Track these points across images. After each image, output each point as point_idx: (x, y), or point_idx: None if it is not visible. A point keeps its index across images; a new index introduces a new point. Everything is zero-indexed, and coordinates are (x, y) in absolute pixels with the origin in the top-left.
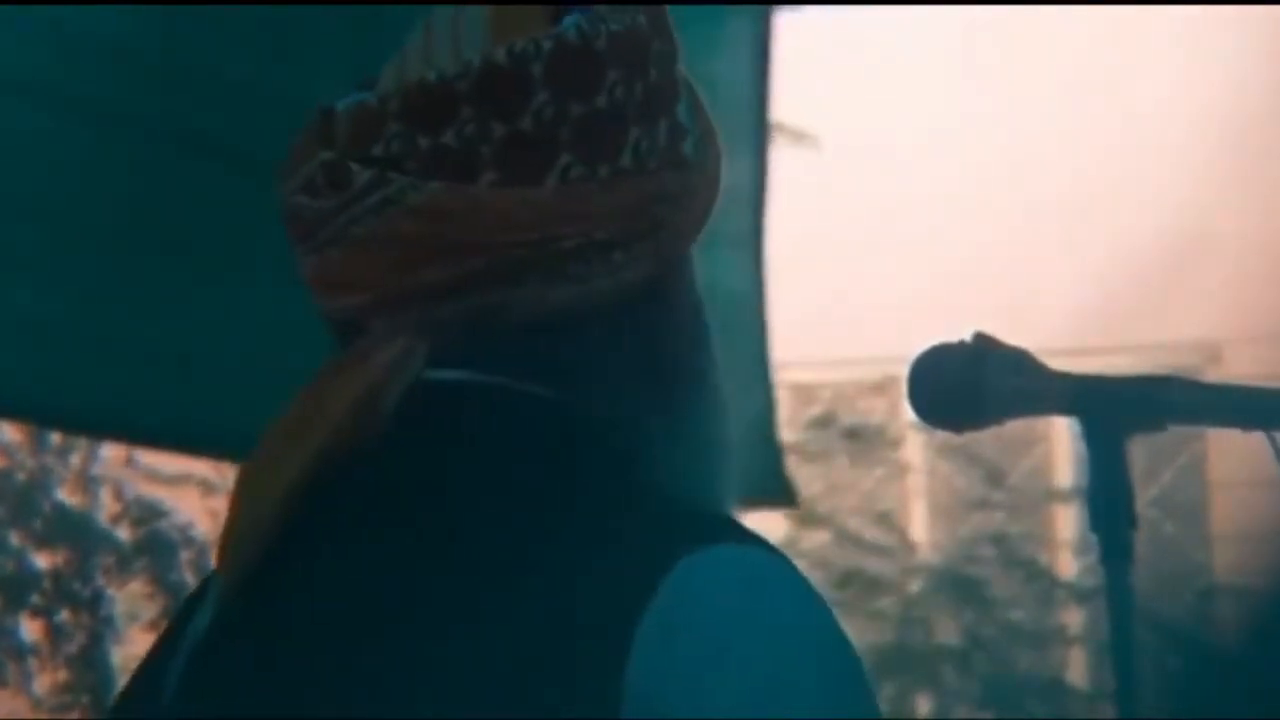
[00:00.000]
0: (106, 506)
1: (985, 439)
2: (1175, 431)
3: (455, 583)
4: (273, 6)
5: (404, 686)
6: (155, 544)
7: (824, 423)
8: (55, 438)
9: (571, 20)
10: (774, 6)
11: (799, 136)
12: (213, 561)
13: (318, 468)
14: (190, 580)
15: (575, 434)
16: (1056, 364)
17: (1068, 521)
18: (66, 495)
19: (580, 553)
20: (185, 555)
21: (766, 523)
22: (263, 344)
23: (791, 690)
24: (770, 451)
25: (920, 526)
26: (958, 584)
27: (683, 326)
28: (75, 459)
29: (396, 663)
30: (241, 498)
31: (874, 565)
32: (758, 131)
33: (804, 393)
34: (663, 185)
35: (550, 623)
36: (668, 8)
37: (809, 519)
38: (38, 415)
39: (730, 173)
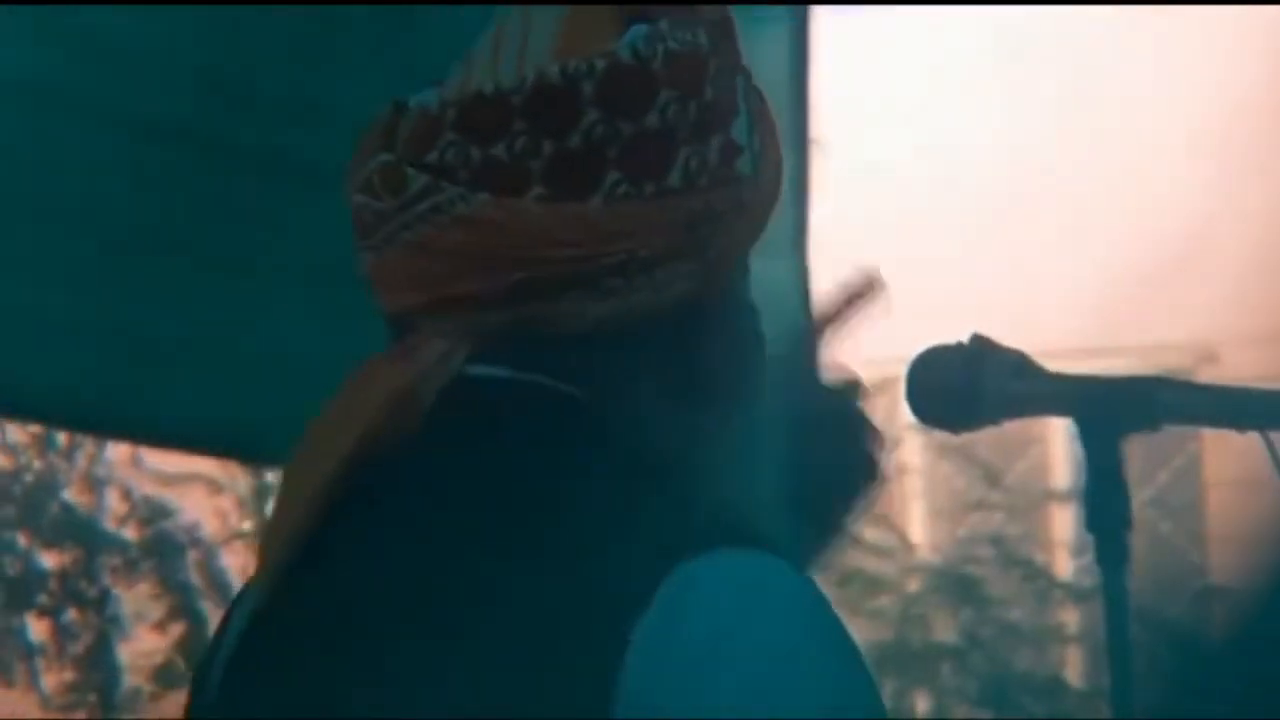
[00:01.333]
0: (113, 507)
1: (983, 440)
2: (1171, 432)
3: (465, 577)
4: (298, 10)
5: (412, 681)
6: (162, 544)
7: None
8: (62, 439)
9: (630, 38)
10: (796, 8)
11: None
12: (219, 561)
13: (356, 461)
14: (197, 580)
15: (597, 434)
16: (1054, 366)
17: (1065, 522)
18: (73, 496)
19: (583, 554)
20: (192, 555)
21: None
22: (275, 343)
23: (786, 696)
24: None
25: (919, 527)
26: (956, 583)
27: (727, 338)
28: (82, 459)
29: (407, 657)
30: (285, 490)
31: (873, 565)
32: (798, 136)
33: None
34: (711, 204)
35: (548, 622)
36: (734, 20)
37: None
38: (46, 416)
39: None
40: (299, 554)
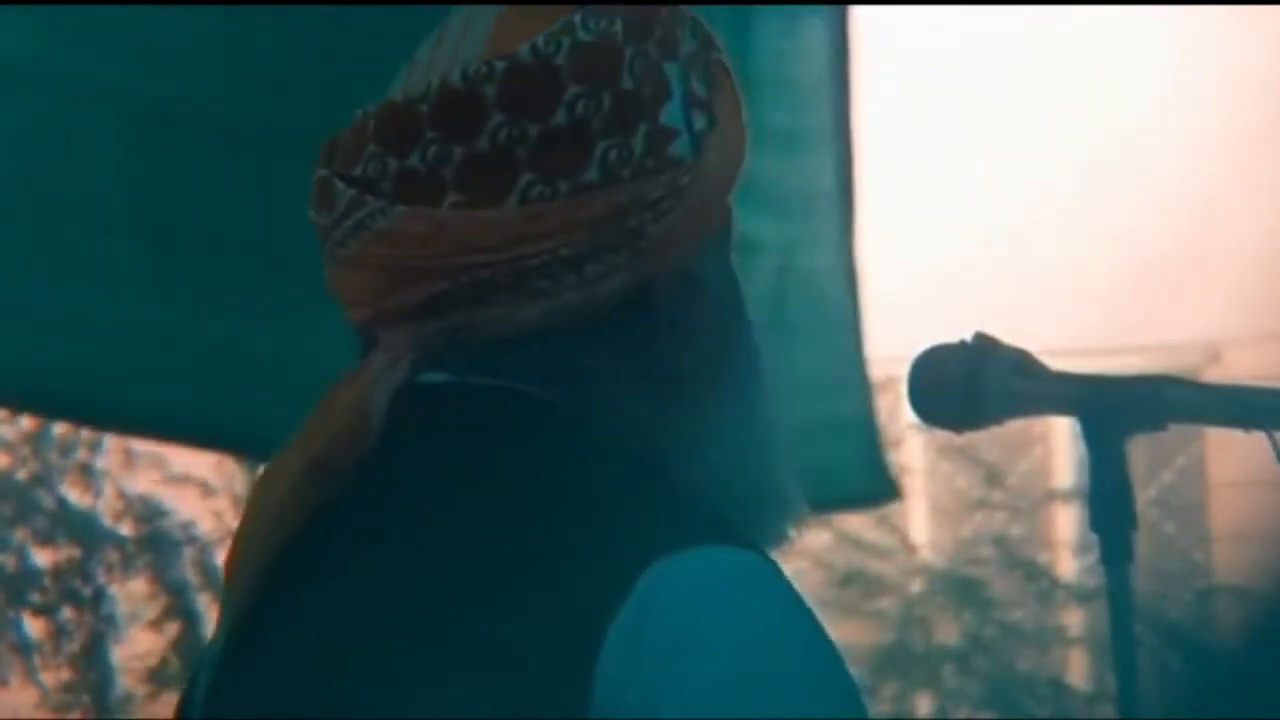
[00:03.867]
0: (109, 504)
1: (985, 439)
2: (1175, 432)
3: (434, 580)
4: (332, 5)
5: (386, 685)
6: (157, 542)
7: None
8: (58, 435)
9: (537, 36)
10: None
11: None
12: (215, 559)
13: (316, 478)
14: (192, 579)
15: (562, 431)
16: (1056, 364)
17: (1068, 522)
18: (69, 493)
19: (556, 552)
20: (188, 554)
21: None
22: (272, 340)
23: (759, 693)
24: (869, 448)
25: (920, 527)
26: (958, 584)
27: (689, 324)
28: (78, 456)
29: (383, 661)
30: (249, 510)
31: (875, 566)
32: (840, 133)
33: None
34: (638, 194)
35: (524, 621)
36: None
37: (809, 519)
38: (48, 407)
39: (814, 175)
40: (268, 576)
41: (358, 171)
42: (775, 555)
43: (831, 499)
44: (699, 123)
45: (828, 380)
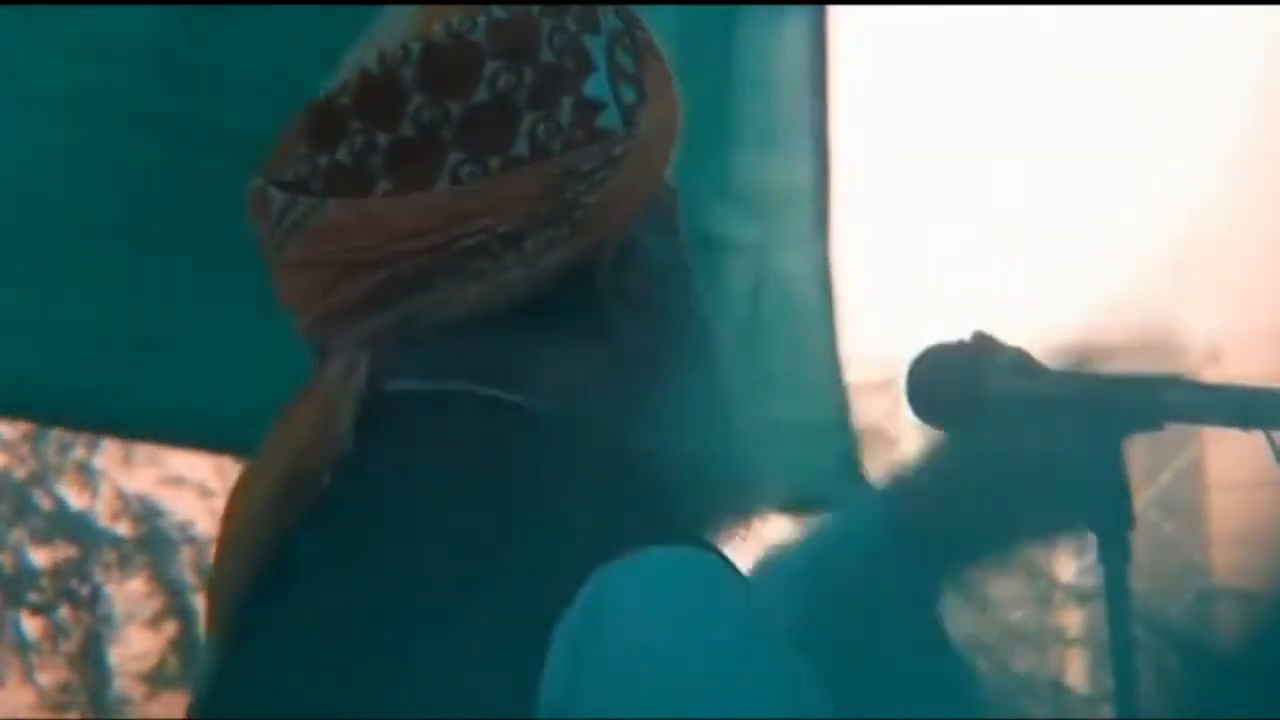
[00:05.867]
0: (107, 504)
1: None
2: (1174, 432)
3: (388, 586)
4: (292, 5)
5: (347, 692)
6: (155, 542)
7: None
8: (55, 435)
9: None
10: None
11: None
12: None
13: (290, 492)
14: (190, 579)
15: (511, 434)
16: (1055, 364)
17: None
18: (66, 492)
19: (507, 560)
20: (185, 554)
21: (767, 521)
22: (267, 340)
23: (704, 697)
24: (844, 449)
25: None
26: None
27: (630, 302)
28: (75, 456)
29: (338, 673)
30: (223, 527)
31: None
32: (816, 131)
33: None
34: (570, 166)
35: (477, 630)
36: None
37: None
38: (42, 414)
39: (789, 174)
40: (244, 594)
41: (289, 176)
42: (764, 549)
43: (806, 500)
44: (627, 96)
45: (802, 381)
